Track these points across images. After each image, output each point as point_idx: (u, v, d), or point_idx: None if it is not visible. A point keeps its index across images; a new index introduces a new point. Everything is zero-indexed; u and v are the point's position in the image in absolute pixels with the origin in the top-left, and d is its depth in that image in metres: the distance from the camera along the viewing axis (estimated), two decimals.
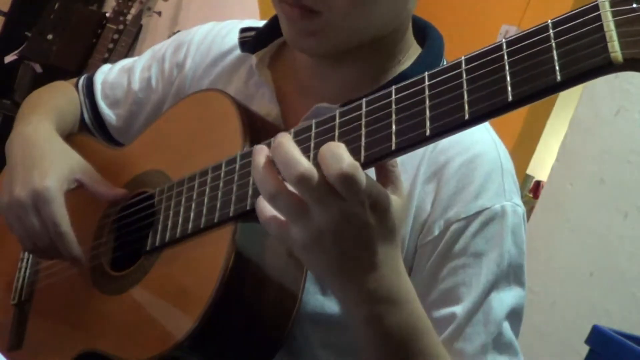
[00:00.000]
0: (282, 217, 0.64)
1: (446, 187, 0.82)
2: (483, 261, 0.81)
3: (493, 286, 0.81)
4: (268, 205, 0.64)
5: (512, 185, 0.85)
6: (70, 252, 0.89)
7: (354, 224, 0.62)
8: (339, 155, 0.60)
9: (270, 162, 0.63)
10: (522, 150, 2.81)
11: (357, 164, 0.60)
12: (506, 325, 0.82)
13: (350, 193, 0.61)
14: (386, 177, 0.65)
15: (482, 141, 0.85)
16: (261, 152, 0.64)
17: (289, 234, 0.64)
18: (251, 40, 0.97)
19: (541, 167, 3.41)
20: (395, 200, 0.65)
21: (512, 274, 0.83)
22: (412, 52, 0.90)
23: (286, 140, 0.62)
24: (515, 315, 0.83)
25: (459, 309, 0.80)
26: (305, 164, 0.61)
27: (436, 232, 0.82)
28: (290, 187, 0.62)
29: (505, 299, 0.82)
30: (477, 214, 0.81)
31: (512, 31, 2.96)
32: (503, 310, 0.82)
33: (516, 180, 0.87)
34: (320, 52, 0.83)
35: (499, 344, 0.81)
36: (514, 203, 0.84)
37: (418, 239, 0.83)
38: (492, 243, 0.82)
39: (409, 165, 0.84)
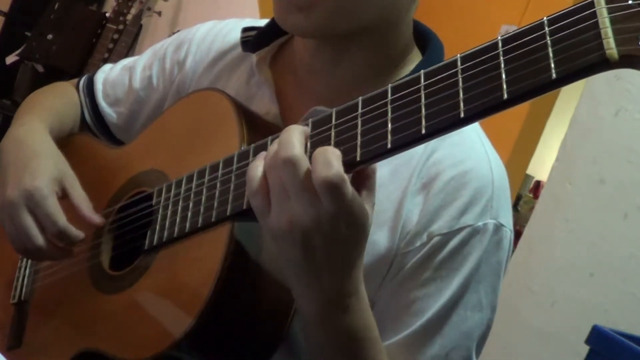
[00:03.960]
0: (269, 195, 0.64)
1: (433, 200, 0.82)
2: (455, 277, 0.81)
3: (458, 302, 0.81)
4: (261, 177, 0.65)
5: (501, 204, 0.84)
6: (75, 241, 0.90)
7: (325, 232, 0.63)
8: (329, 162, 0.60)
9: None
10: (522, 150, 2.82)
11: (345, 176, 0.60)
12: (465, 345, 0.82)
13: (329, 200, 0.61)
14: (363, 183, 0.65)
15: (475, 156, 0.84)
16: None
17: (267, 216, 0.64)
18: (252, 40, 0.97)
19: (541, 167, 3.41)
20: (368, 209, 0.65)
21: (481, 293, 0.82)
22: (413, 58, 0.89)
23: (295, 126, 0.64)
24: (475, 336, 0.83)
25: (421, 318, 0.81)
26: (297, 150, 0.61)
27: (417, 244, 0.82)
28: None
29: (469, 317, 0.82)
30: (460, 230, 0.81)
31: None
32: (463, 328, 0.81)
33: (509, 199, 0.86)
34: (307, 30, 0.83)
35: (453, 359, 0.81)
36: (498, 222, 0.83)
37: (400, 248, 0.83)
38: (467, 260, 0.81)
39: (402, 175, 0.84)
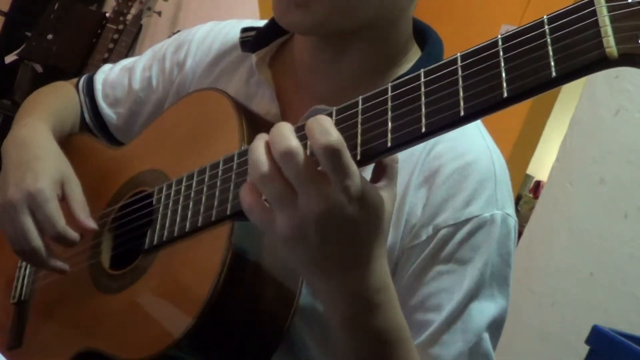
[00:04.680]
0: (267, 205, 0.63)
1: (437, 193, 0.82)
2: (467, 269, 0.81)
3: (474, 295, 0.81)
4: (252, 191, 0.63)
5: (505, 195, 0.84)
6: (73, 245, 0.90)
7: (338, 217, 0.61)
8: (327, 129, 0.59)
9: (268, 146, 0.62)
10: (522, 150, 2.82)
11: (343, 141, 0.59)
12: (485, 336, 0.81)
13: (334, 170, 0.59)
14: (384, 171, 0.65)
15: (476, 148, 0.85)
16: (261, 137, 0.63)
17: (272, 223, 0.63)
18: (252, 40, 0.97)
19: (541, 167, 3.41)
20: (385, 197, 0.64)
21: (495, 285, 0.82)
22: (412, 55, 0.90)
23: (284, 123, 0.62)
24: (494, 327, 0.83)
25: (438, 315, 0.80)
26: (294, 141, 0.60)
27: (424, 237, 0.82)
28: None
29: (485, 309, 0.81)
30: (466, 221, 0.81)
31: None
32: (483, 320, 0.81)
33: (510, 190, 0.86)
34: (306, 27, 0.83)
35: (476, 354, 0.81)
36: (505, 213, 0.83)
37: (405, 243, 0.83)
38: (478, 251, 0.81)
39: (404, 170, 0.84)
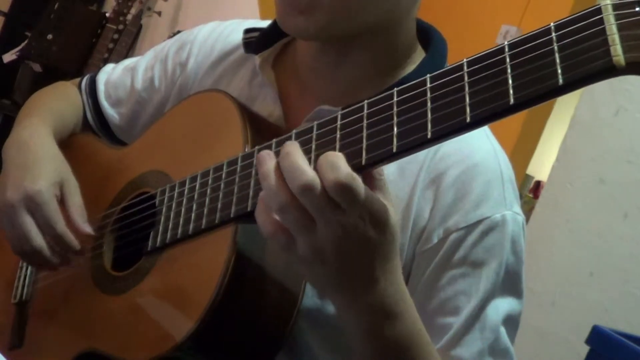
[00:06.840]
0: (286, 228, 0.64)
1: (445, 195, 0.82)
2: (483, 270, 0.81)
3: (491, 295, 0.81)
4: (271, 217, 0.64)
5: (512, 194, 0.85)
6: (71, 249, 0.90)
7: (354, 239, 0.62)
8: (336, 165, 0.60)
9: (280, 172, 0.62)
10: (522, 150, 2.82)
11: (354, 175, 0.60)
12: (502, 331, 0.82)
13: (347, 203, 0.60)
14: (373, 185, 0.65)
15: (482, 149, 0.85)
16: (269, 160, 0.63)
17: (293, 245, 0.64)
18: (255, 41, 0.97)
19: (541, 167, 3.41)
20: (390, 209, 0.65)
21: (509, 282, 0.83)
22: (416, 56, 0.89)
23: (294, 149, 0.62)
24: (511, 322, 0.83)
25: (457, 318, 0.81)
26: (310, 173, 0.60)
27: (435, 241, 0.82)
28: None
29: (500, 306, 0.82)
30: (478, 223, 0.81)
31: (512, 31, 2.96)
32: (499, 317, 0.82)
33: (516, 188, 0.87)
34: (308, 32, 0.82)
35: (495, 349, 0.81)
36: (514, 212, 0.83)
37: (416, 247, 0.83)
38: (492, 252, 0.81)
39: (409, 172, 0.84)
